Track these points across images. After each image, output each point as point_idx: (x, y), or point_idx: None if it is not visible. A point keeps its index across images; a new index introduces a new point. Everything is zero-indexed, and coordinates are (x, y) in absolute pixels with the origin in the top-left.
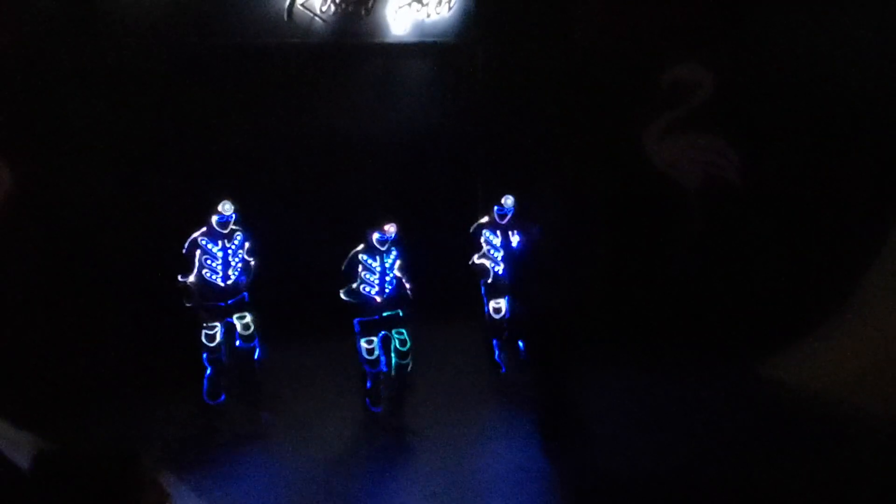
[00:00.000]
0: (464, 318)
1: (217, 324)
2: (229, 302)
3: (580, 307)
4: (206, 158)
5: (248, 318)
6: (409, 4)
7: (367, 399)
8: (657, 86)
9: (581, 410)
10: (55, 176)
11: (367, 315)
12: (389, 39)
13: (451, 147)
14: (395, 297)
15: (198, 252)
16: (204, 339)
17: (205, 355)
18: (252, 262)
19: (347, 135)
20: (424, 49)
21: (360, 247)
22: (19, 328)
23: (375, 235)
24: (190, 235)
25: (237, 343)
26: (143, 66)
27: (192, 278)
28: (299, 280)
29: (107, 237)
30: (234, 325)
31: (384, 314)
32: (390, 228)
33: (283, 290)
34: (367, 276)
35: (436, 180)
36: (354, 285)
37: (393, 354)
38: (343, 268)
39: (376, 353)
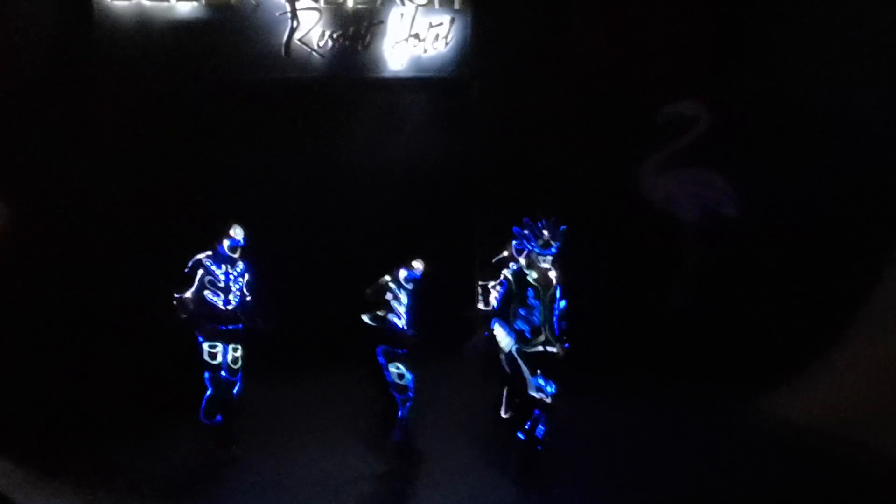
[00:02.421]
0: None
1: (219, 343)
2: (228, 327)
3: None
4: (203, 191)
5: (240, 352)
6: (406, 40)
7: (396, 429)
8: (654, 121)
9: (577, 443)
10: (61, 198)
11: (393, 345)
12: (386, 74)
13: (447, 181)
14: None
15: (200, 272)
16: (206, 358)
17: (206, 374)
18: (248, 298)
19: (344, 169)
20: (421, 84)
21: (388, 277)
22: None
23: (403, 273)
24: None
25: (223, 374)
26: (142, 100)
27: (188, 294)
28: (292, 313)
29: (108, 262)
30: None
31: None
32: (418, 266)
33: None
34: (397, 306)
35: (432, 214)
36: (381, 313)
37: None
38: (370, 293)
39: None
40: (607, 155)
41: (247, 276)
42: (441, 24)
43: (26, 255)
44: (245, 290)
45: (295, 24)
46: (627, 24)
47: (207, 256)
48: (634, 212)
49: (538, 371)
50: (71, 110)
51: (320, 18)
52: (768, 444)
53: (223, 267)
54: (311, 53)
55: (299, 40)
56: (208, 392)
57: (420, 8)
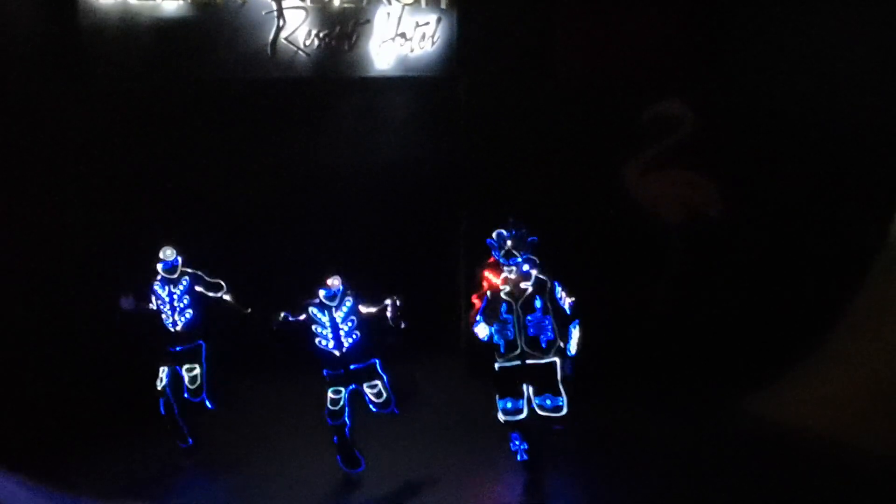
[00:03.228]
0: (445, 354)
1: (165, 367)
2: (178, 349)
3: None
4: (184, 193)
5: (197, 371)
6: (393, 39)
7: (339, 457)
8: (639, 121)
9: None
10: (21, 208)
11: (332, 368)
12: (373, 73)
13: (433, 181)
14: (360, 349)
15: (153, 297)
16: (157, 383)
17: (160, 400)
18: (226, 297)
19: (330, 169)
20: (408, 83)
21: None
22: None
23: (322, 292)
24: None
25: (185, 395)
26: (126, 100)
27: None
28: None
29: (80, 262)
30: (181, 376)
31: (351, 367)
32: (333, 282)
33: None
34: (320, 330)
35: (418, 214)
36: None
37: (371, 406)
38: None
39: (341, 403)
40: (594, 155)
41: (197, 287)
42: (428, 23)
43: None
44: (215, 294)
45: (281, 22)
46: (615, 24)
47: (158, 279)
48: (620, 212)
49: (532, 386)
50: (53, 109)
51: (307, 17)
52: (756, 444)
53: (166, 288)
54: (297, 52)
55: (285, 39)
56: (162, 412)
57: (407, 7)
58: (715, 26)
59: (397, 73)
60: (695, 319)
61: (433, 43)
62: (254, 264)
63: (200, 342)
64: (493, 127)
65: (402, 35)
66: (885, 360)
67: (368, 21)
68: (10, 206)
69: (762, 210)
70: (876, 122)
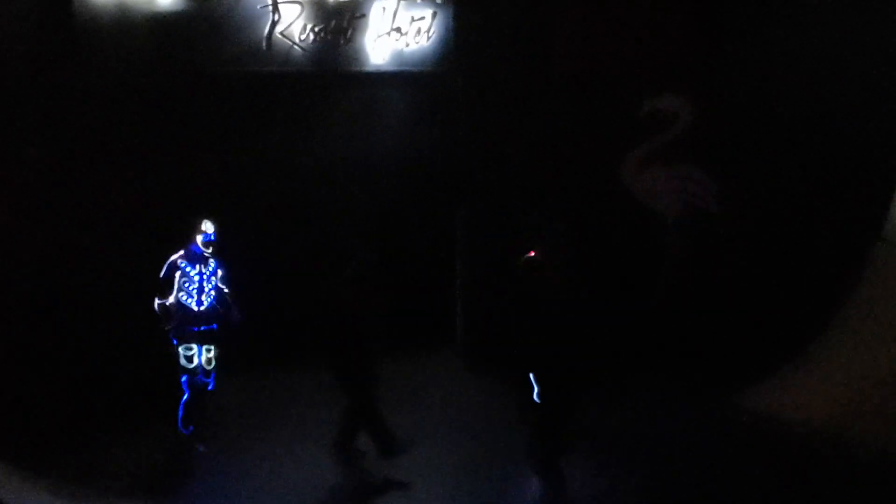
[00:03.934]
0: (442, 349)
1: (195, 346)
2: (202, 328)
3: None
4: (181, 185)
5: (213, 353)
6: (389, 34)
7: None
8: (637, 116)
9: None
10: (30, 196)
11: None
12: (368, 68)
13: (429, 175)
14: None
15: (177, 275)
16: (183, 362)
17: (183, 378)
18: (226, 291)
19: (325, 163)
20: (403, 78)
21: (174, 255)
22: None
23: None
24: (165, 258)
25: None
26: (120, 94)
27: (171, 300)
28: (271, 306)
29: (80, 258)
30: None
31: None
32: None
33: (255, 318)
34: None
35: (414, 208)
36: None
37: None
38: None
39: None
40: (591, 150)
41: (220, 272)
42: (423, 17)
43: None
44: (220, 286)
45: (276, 17)
46: (611, 18)
47: (181, 257)
48: (618, 206)
49: None
50: (46, 103)
51: (302, 12)
52: (752, 440)
53: (197, 266)
54: (292, 47)
55: (281, 34)
56: (185, 396)
57: (402, 2)
58: (713, 19)
59: (393, 68)
60: (692, 313)
61: (429, 38)
62: (246, 258)
63: (214, 325)
64: (488, 121)
65: (398, 30)
66: (881, 356)
67: (364, 16)
68: (5, 200)
69: (759, 204)
70: (874, 114)
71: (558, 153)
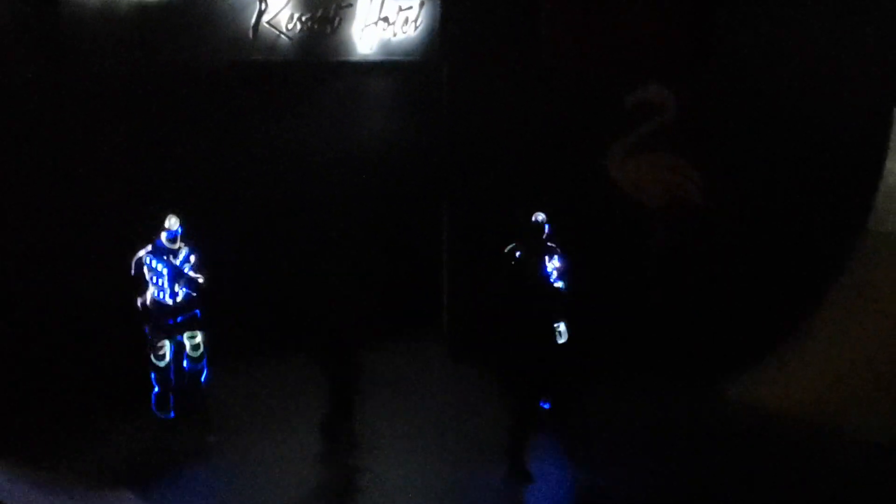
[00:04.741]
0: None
1: (166, 342)
2: (178, 319)
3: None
4: (166, 174)
5: (199, 338)
6: (376, 23)
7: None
8: (623, 106)
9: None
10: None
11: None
12: (355, 58)
13: (415, 166)
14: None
15: (145, 270)
16: (153, 359)
17: (153, 374)
18: (200, 279)
19: (312, 152)
20: (390, 67)
21: (141, 252)
22: None
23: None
24: (137, 252)
25: (185, 364)
26: (107, 81)
27: (148, 297)
28: (256, 298)
29: (55, 251)
30: (183, 345)
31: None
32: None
33: (239, 308)
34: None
35: (400, 199)
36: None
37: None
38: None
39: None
40: (578, 141)
41: (193, 258)
42: (411, 7)
43: None
44: (194, 274)
45: (263, 6)
46: (599, 9)
47: (147, 253)
48: (604, 197)
49: None
50: (31, 94)
51: (289, 1)
52: (739, 430)
53: (166, 258)
54: (279, 36)
55: (268, 23)
56: (155, 389)
57: None
58: (699, 11)
59: (379, 58)
60: (678, 304)
61: (416, 27)
62: (232, 248)
63: (197, 311)
64: (475, 111)
65: (385, 19)
66: (867, 346)
67: (351, 5)
68: None
69: (745, 194)
70: (860, 104)
71: (544, 143)
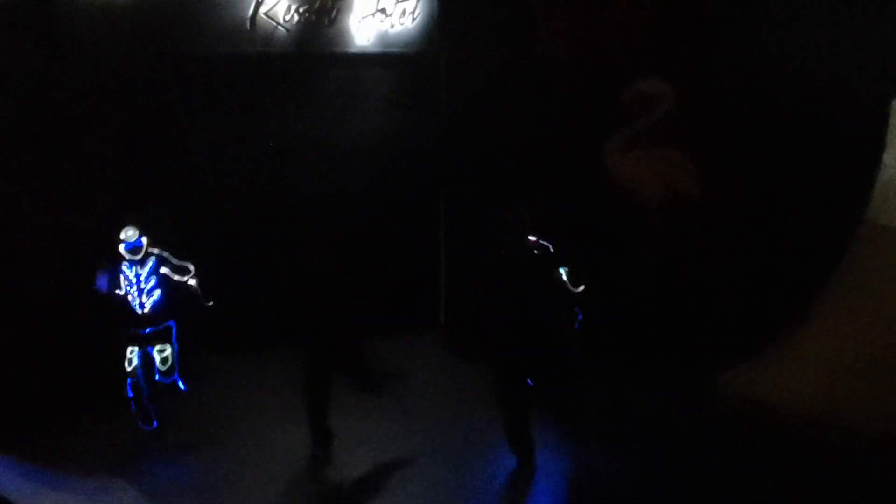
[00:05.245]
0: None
1: (134, 348)
2: (147, 330)
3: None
4: (162, 167)
5: (168, 352)
6: (373, 15)
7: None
8: (621, 99)
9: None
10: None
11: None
12: (352, 49)
13: (412, 157)
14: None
15: (120, 273)
16: (125, 364)
17: (128, 381)
18: (191, 282)
19: (308, 144)
20: (387, 59)
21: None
22: None
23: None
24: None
25: (156, 377)
26: (102, 74)
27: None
28: (249, 291)
29: (55, 245)
30: (151, 358)
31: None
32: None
33: (231, 303)
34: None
35: (397, 191)
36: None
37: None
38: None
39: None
40: (575, 134)
41: (163, 268)
42: None
43: None
44: (180, 278)
45: None
46: (595, 1)
47: (125, 261)
48: (601, 190)
49: None
50: (26, 84)
51: None
52: (734, 423)
53: (133, 268)
54: (276, 28)
55: (265, 14)
56: (129, 394)
57: None
58: (696, 3)
59: (377, 50)
60: (676, 298)
61: (413, 19)
62: (227, 241)
63: (171, 323)
64: (473, 103)
65: (382, 11)
66: (864, 338)
67: None
68: None
69: (742, 188)
70: (857, 95)
71: (541, 136)
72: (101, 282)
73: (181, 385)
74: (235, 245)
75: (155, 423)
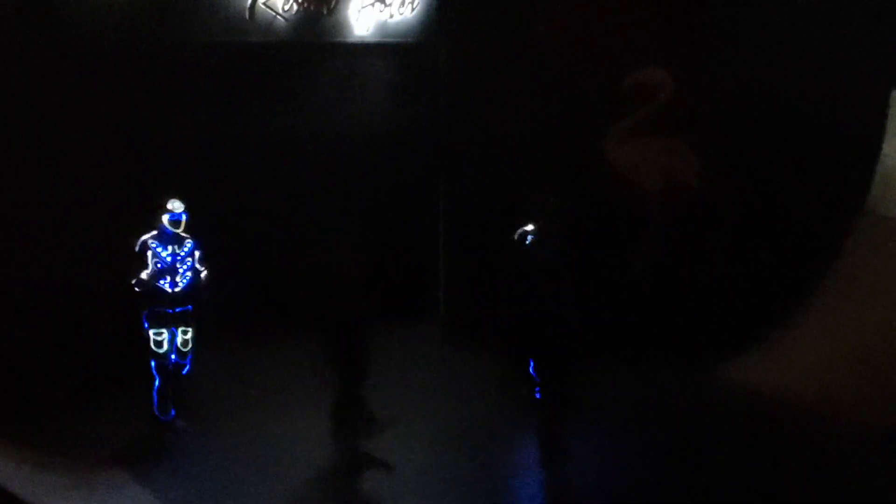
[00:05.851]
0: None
1: (164, 329)
2: (177, 310)
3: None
4: (161, 159)
5: (190, 333)
6: (373, 4)
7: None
8: (620, 88)
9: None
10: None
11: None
12: (352, 39)
13: (411, 147)
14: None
15: (149, 254)
16: (152, 346)
17: (153, 363)
18: (203, 273)
19: (308, 134)
20: (387, 49)
21: (146, 235)
22: None
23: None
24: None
25: (172, 357)
26: (101, 64)
27: (144, 276)
28: (252, 282)
29: (51, 240)
30: (175, 336)
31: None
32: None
33: (235, 293)
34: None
35: (396, 181)
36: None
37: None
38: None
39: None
40: (575, 123)
41: (197, 252)
42: None
43: None
44: (197, 267)
45: None
46: None
47: (152, 237)
48: (601, 179)
49: None
50: (24, 73)
51: None
52: (733, 413)
53: (169, 248)
54: (275, 17)
55: (264, 4)
56: (156, 382)
57: None
58: None
59: (376, 39)
60: (674, 287)
61: (413, 9)
62: (226, 230)
63: (190, 306)
64: (472, 94)
65: (382, 0)
66: (863, 327)
67: None
68: None
69: (742, 177)
70: (858, 88)
71: (542, 126)
72: (145, 280)
73: (188, 367)
74: (232, 235)
75: (173, 411)
